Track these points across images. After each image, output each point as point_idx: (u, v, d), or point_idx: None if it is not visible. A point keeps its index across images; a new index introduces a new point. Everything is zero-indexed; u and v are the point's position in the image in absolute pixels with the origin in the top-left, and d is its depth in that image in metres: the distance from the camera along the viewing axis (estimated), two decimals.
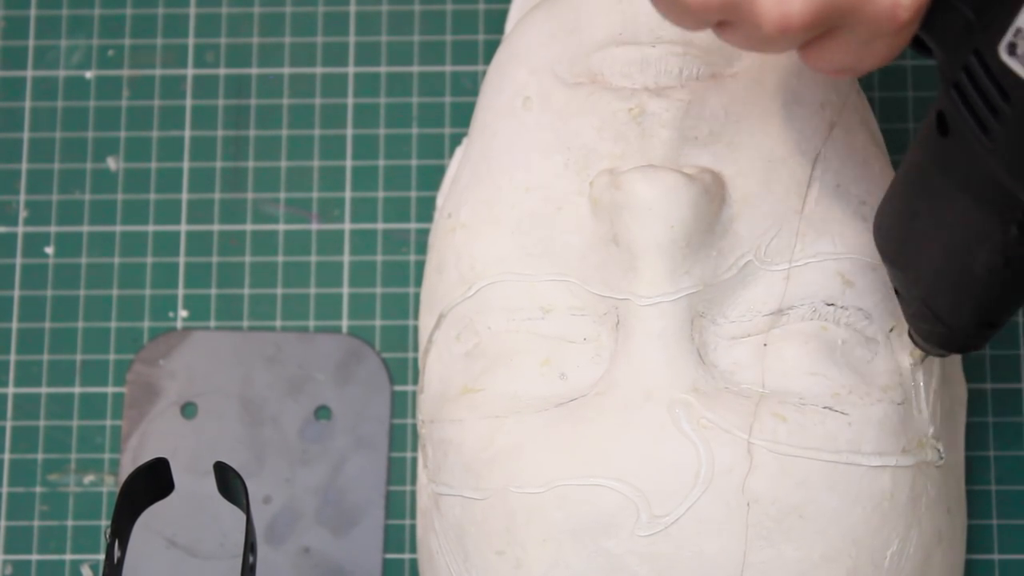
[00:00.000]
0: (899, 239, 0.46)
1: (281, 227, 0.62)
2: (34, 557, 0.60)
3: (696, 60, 0.51)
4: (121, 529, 0.49)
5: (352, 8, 0.64)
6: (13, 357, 0.62)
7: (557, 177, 0.51)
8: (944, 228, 0.43)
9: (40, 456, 0.61)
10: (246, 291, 0.62)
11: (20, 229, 0.63)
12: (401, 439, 0.60)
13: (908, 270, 0.46)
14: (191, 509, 0.59)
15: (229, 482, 0.50)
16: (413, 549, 0.59)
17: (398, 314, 0.61)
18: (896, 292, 0.48)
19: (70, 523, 0.60)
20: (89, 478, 0.61)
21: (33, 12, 0.64)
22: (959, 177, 0.42)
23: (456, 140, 0.62)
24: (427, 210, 0.62)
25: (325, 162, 0.63)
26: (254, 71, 0.64)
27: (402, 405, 0.61)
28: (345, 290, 0.62)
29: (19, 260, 0.62)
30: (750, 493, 0.47)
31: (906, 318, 0.48)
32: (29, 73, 0.64)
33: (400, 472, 0.60)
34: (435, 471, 0.52)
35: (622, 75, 0.51)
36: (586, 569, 0.48)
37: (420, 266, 0.61)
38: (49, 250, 0.62)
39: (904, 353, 0.50)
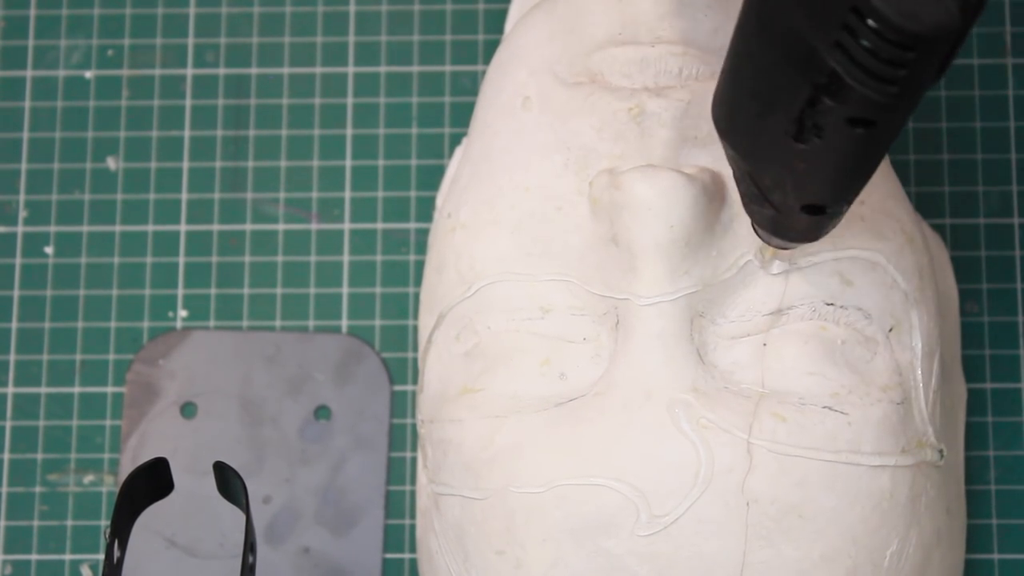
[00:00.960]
0: (728, 108, 0.43)
1: (281, 227, 0.62)
2: (34, 557, 0.60)
3: (696, 60, 0.51)
4: (121, 529, 0.49)
5: (352, 8, 0.64)
6: (13, 357, 0.62)
7: (557, 177, 0.51)
8: (762, 94, 0.41)
9: (40, 456, 0.61)
10: (246, 291, 0.62)
11: (20, 229, 0.63)
12: (401, 439, 0.60)
13: (736, 143, 0.44)
14: (191, 509, 0.59)
15: (229, 482, 0.50)
16: (413, 549, 0.59)
17: (398, 314, 0.61)
18: (734, 173, 0.46)
19: (70, 523, 0.60)
20: (89, 478, 0.61)
21: (33, 12, 0.64)
22: (773, 33, 0.39)
23: (456, 140, 0.62)
24: (427, 210, 0.62)
25: (325, 162, 0.63)
26: (254, 71, 0.64)
27: (402, 405, 0.61)
28: (345, 290, 0.62)
29: (19, 260, 0.62)
30: (749, 493, 0.47)
31: (742, 202, 0.46)
32: (29, 73, 0.64)
33: (400, 472, 0.60)
34: (435, 471, 0.52)
35: (622, 75, 0.51)
36: (586, 569, 0.48)
37: (420, 266, 0.61)
38: (49, 250, 0.62)
39: (904, 352, 0.50)
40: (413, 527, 0.60)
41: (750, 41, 0.40)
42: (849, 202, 0.43)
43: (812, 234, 0.45)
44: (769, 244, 0.47)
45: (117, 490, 0.58)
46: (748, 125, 0.42)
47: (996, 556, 0.59)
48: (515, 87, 0.53)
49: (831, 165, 0.41)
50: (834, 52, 0.38)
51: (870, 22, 0.36)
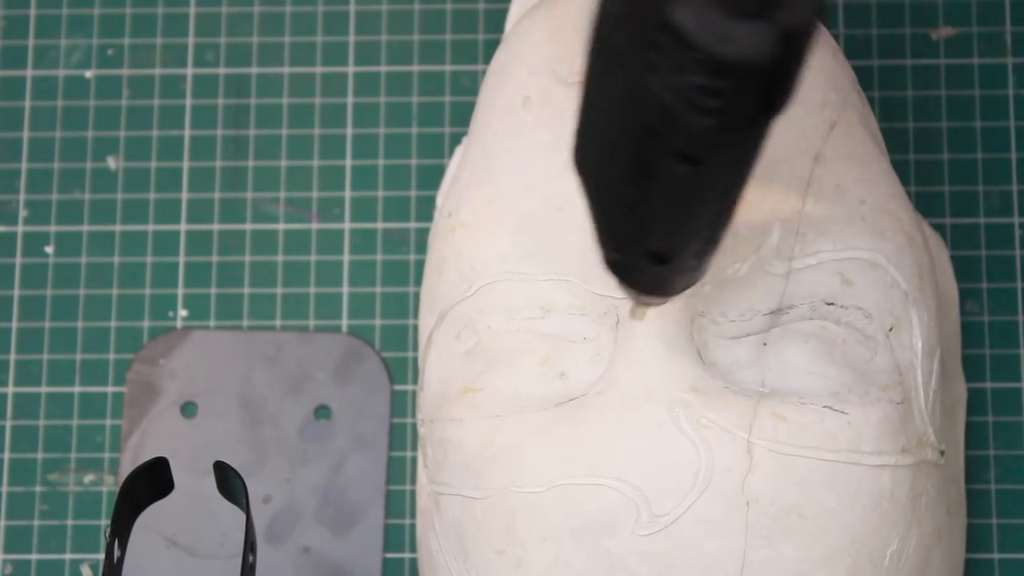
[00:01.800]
0: (582, 151, 0.40)
1: (281, 227, 0.62)
2: (34, 557, 0.60)
3: None
4: (121, 529, 0.49)
5: (352, 8, 0.64)
6: (13, 357, 0.62)
7: (557, 177, 0.51)
8: (607, 137, 0.38)
9: (40, 456, 0.61)
10: (246, 291, 0.62)
11: (20, 229, 0.63)
12: (401, 439, 0.60)
13: (584, 182, 0.41)
14: (191, 508, 0.59)
15: (229, 481, 0.50)
16: (413, 549, 0.59)
17: (398, 313, 0.61)
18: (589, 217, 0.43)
19: (70, 523, 0.60)
20: (89, 477, 0.61)
21: (33, 12, 0.64)
22: (605, 60, 0.37)
23: (456, 140, 0.62)
24: (427, 210, 0.62)
25: (325, 161, 0.63)
26: (254, 71, 0.64)
27: (402, 404, 0.61)
28: (345, 290, 0.62)
29: (19, 260, 0.62)
30: (750, 492, 0.47)
31: (597, 247, 0.43)
32: (29, 73, 0.64)
33: (400, 472, 0.60)
34: (435, 470, 0.52)
35: None
36: (586, 568, 0.48)
37: (420, 265, 0.61)
38: (49, 250, 0.62)
39: (904, 352, 0.50)
40: (413, 527, 0.60)
41: (595, 86, 0.38)
42: (697, 254, 0.41)
43: (662, 288, 0.42)
44: (623, 288, 0.44)
45: (117, 490, 0.58)
46: (593, 164, 0.40)
47: (996, 556, 0.59)
48: (515, 87, 0.53)
49: (664, 208, 0.38)
50: (650, 77, 0.34)
51: (677, 43, 0.33)
